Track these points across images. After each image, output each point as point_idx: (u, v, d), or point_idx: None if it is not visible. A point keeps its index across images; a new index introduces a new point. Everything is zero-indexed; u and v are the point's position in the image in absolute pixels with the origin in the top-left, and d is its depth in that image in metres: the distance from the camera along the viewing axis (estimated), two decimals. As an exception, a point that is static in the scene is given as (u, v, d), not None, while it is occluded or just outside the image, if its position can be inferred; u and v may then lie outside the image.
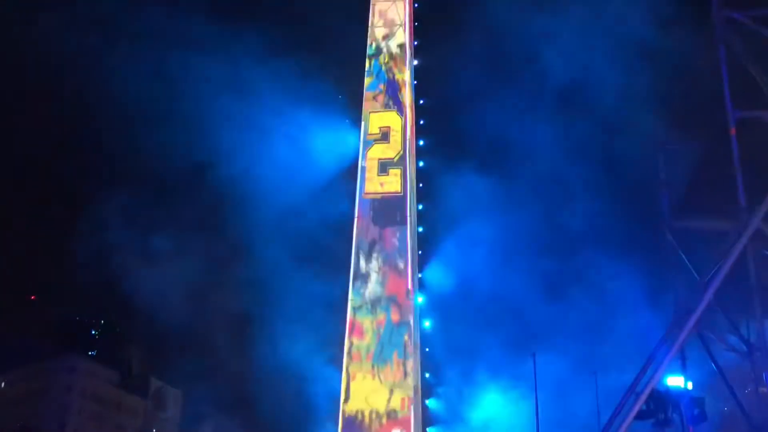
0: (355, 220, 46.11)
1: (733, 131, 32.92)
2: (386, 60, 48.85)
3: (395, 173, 46.44)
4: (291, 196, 49.23)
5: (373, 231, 45.79)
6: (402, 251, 45.41)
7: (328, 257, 49.09)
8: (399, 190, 46.16)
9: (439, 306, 47.50)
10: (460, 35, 51.10)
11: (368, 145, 47.37)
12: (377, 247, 45.53)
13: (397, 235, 45.63)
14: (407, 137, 46.92)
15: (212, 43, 55.19)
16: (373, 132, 47.51)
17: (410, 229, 45.79)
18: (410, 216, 46.17)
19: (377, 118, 47.74)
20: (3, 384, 79.36)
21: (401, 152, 46.59)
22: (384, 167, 46.60)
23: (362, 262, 45.29)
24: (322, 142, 49.01)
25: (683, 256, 36.06)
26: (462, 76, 51.57)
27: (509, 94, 48.60)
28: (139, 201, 60.21)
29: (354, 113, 48.85)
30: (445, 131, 51.63)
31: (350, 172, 47.78)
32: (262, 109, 51.53)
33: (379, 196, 46.29)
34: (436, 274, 47.58)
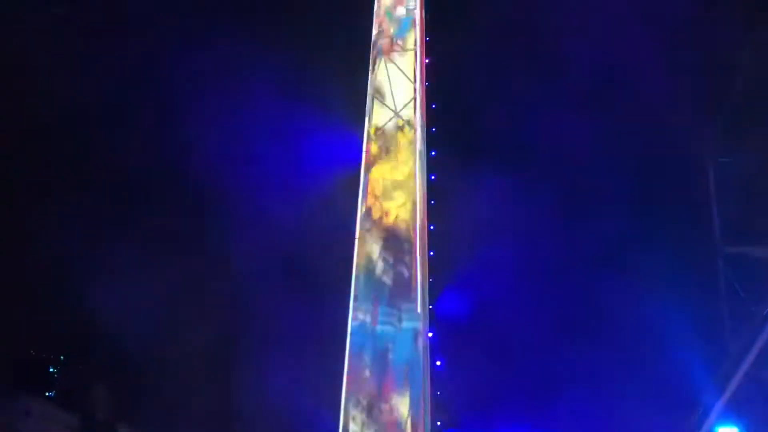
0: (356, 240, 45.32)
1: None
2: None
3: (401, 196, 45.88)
4: (281, 204, 49.18)
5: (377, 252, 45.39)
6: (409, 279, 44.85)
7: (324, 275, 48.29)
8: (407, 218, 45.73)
9: (453, 342, 46.99)
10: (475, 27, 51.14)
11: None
12: (381, 271, 45.24)
13: (405, 259, 45.24)
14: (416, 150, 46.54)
15: (193, 33, 55.43)
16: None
17: (420, 255, 45.42)
18: (419, 239, 45.80)
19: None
20: (-54, 429, 78.66)
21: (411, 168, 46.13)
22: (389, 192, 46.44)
23: (363, 287, 45.02)
24: (318, 144, 49.50)
25: (737, 287, 36.32)
26: (479, 75, 51.25)
27: (533, 92, 48.46)
28: (101, 212, 59.82)
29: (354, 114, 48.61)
30: (460, 138, 51.21)
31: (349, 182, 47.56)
32: (247, 104, 52.33)
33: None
34: (450, 305, 47.29)
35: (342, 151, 48.13)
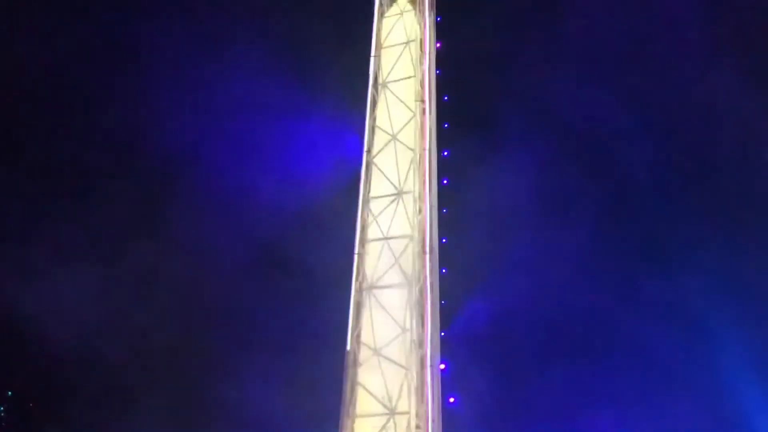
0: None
1: None
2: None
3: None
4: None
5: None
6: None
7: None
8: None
9: (467, 374, 42.52)
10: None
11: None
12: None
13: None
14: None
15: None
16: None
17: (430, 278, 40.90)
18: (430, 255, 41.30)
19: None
20: None
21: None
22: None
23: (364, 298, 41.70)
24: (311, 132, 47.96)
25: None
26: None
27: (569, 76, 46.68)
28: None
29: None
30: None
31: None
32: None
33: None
34: (464, 329, 42.88)
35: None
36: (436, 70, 45.81)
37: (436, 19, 46.12)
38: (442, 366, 41.14)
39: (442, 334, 41.38)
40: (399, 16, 45.91)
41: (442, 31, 46.44)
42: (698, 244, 43.70)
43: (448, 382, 41.47)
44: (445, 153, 44.03)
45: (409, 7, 46.04)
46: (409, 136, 44.23)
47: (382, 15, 46.61)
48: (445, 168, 43.71)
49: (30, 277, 52.33)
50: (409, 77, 44.64)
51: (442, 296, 41.43)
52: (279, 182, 49.54)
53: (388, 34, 46.32)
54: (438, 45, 46.10)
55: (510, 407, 44.45)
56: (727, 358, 39.79)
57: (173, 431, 52.06)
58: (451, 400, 41.16)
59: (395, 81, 44.96)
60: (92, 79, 57.14)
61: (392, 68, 45.23)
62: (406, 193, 42.17)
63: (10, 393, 77.91)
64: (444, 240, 42.32)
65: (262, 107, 51.64)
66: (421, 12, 45.76)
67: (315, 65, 51.34)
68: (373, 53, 45.98)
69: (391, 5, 46.79)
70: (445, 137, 44.20)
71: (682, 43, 45.47)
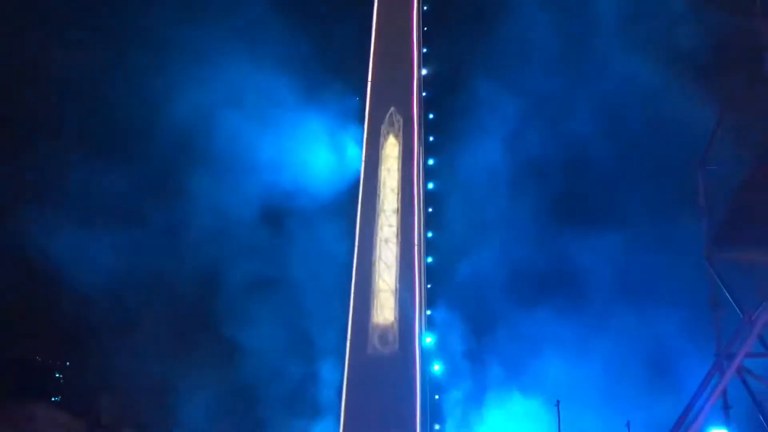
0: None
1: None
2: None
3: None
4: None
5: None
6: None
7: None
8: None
9: (451, 348, 47.83)
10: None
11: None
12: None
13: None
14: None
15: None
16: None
17: (418, 258, 46.50)
18: (418, 245, 46.91)
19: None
20: (-47, 433, 79.25)
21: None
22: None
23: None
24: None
25: (725, 291, 35.96)
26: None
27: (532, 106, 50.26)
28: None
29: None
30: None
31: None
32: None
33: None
34: (448, 313, 48.67)
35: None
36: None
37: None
38: (428, 339, 47.40)
39: (429, 312, 47.57)
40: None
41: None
42: (624, 206, 49.12)
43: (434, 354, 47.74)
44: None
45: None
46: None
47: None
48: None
49: (68, 233, 57.23)
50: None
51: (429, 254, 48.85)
52: (283, 156, 53.14)
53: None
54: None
55: (479, 338, 49.51)
56: (644, 298, 45.05)
57: (186, 361, 57.32)
58: (428, 340, 47.31)
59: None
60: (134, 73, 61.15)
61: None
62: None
63: (67, 363, 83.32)
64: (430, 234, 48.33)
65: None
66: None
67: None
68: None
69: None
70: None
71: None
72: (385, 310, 46.54)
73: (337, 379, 46.94)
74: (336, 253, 49.91)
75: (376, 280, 47.02)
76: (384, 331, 45.99)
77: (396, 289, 46.81)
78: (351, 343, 46.13)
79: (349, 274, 47.91)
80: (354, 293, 47.07)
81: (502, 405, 47.82)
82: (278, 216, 53.81)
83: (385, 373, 45.51)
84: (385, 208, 47.71)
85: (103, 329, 60.84)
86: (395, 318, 46.44)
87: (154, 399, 66.96)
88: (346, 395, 45.43)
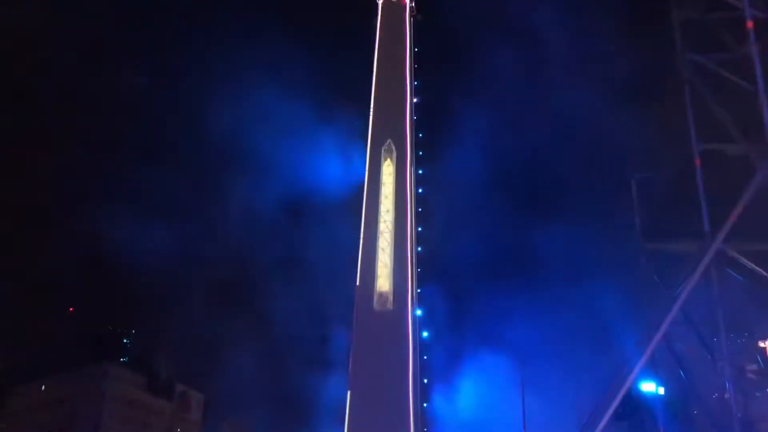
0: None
1: (698, 162, 33.37)
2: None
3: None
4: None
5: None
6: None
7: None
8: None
9: (436, 319, 48.26)
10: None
11: None
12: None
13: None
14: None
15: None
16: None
17: (410, 247, 46.90)
18: (410, 237, 47.26)
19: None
20: (43, 387, 79.74)
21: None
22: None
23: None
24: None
25: (654, 274, 36.12)
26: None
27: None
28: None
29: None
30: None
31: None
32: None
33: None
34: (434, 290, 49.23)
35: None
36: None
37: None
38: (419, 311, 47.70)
39: (419, 290, 47.90)
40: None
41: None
42: (574, 206, 50.20)
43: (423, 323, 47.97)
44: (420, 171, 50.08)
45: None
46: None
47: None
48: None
49: (128, 225, 58.62)
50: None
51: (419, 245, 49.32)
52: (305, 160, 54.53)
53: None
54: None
55: (458, 308, 50.62)
56: (591, 279, 44.78)
57: (226, 327, 58.04)
58: (418, 312, 47.85)
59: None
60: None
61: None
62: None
63: (133, 331, 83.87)
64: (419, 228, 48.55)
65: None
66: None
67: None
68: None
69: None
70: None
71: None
72: (382, 281, 47.32)
73: (347, 337, 47.45)
74: (346, 240, 50.66)
75: (376, 260, 47.86)
76: (382, 296, 46.66)
77: (392, 267, 47.57)
78: (358, 306, 47.03)
79: (356, 256, 48.47)
80: (360, 269, 47.82)
81: (476, 361, 48.25)
82: (300, 212, 55.50)
83: (384, 326, 46.28)
84: (383, 208, 48.46)
85: (161, 305, 61.48)
86: (390, 287, 47.11)
87: (201, 358, 67.48)
88: (354, 344, 46.15)
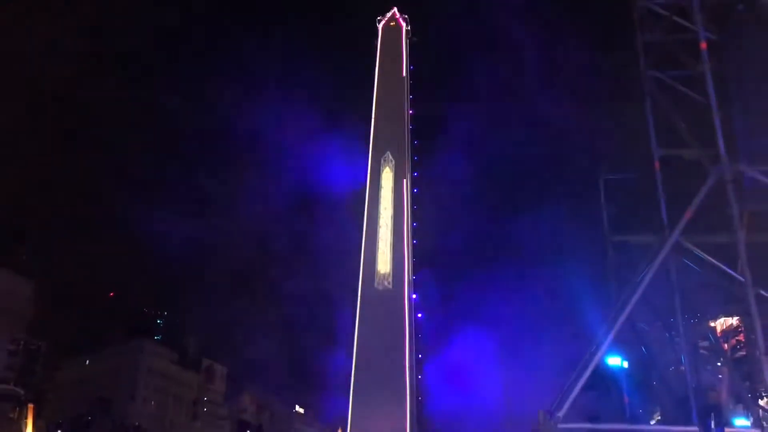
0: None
1: (657, 165, 33.48)
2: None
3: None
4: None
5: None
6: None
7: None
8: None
9: (429, 303, 48.41)
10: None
11: None
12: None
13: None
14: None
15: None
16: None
17: (406, 240, 46.91)
18: (406, 231, 47.31)
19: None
20: (87, 362, 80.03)
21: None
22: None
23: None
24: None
25: (620, 264, 36.36)
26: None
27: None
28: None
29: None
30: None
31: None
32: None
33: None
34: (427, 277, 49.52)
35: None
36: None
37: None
38: (414, 295, 47.58)
39: (414, 277, 47.87)
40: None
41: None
42: (549, 205, 49.72)
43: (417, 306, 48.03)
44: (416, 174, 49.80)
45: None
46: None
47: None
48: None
49: (161, 222, 60.24)
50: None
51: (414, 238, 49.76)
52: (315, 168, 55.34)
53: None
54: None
55: (448, 291, 51.64)
56: (563, 267, 44.89)
57: (247, 308, 58.42)
58: (414, 296, 48.03)
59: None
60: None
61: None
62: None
63: (165, 313, 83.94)
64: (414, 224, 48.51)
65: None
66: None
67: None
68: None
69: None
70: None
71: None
72: (382, 265, 47.55)
73: (352, 315, 47.54)
74: (351, 235, 50.85)
75: (378, 247, 47.87)
76: (383, 277, 46.67)
77: (391, 253, 47.81)
78: (362, 285, 47.67)
79: (359, 245, 48.70)
80: (363, 255, 48.18)
81: (464, 336, 48.34)
82: (311, 209, 55.83)
83: (384, 305, 46.63)
84: (382, 206, 48.76)
85: (189, 289, 61.82)
86: (390, 269, 47.32)
87: (224, 336, 67.81)
88: (359, 319, 46.63)
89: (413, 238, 48.74)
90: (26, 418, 53.75)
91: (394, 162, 48.98)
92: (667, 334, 34.09)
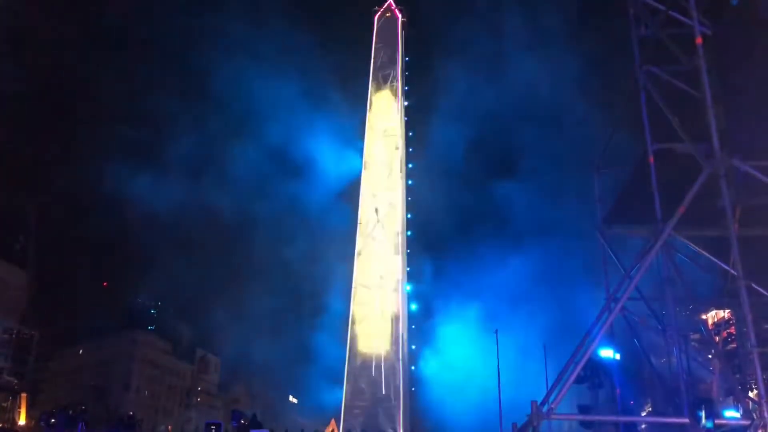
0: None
1: (651, 159, 33.43)
2: None
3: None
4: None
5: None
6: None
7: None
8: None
9: (423, 295, 48.50)
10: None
11: None
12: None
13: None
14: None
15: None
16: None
17: (401, 234, 46.88)
18: (401, 221, 47.23)
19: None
20: (81, 351, 79.60)
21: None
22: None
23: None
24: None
25: (613, 257, 36.23)
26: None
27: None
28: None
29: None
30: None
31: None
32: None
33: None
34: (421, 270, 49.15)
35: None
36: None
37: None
38: (408, 287, 47.51)
39: (408, 269, 47.86)
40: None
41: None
42: (541, 204, 50.08)
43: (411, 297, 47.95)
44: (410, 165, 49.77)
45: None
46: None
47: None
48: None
49: (155, 216, 60.61)
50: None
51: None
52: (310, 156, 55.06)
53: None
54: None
55: (440, 278, 52.00)
56: (557, 264, 45.54)
57: (238, 299, 58.70)
58: (408, 288, 48.14)
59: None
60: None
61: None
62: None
63: (159, 303, 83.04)
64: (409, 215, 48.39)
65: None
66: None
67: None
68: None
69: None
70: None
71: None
72: (377, 258, 48.17)
73: (346, 307, 48.24)
74: (344, 220, 51.62)
75: (370, 236, 48.55)
76: (378, 266, 47.86)
77: (385, 244, 48.61)
78: (356, 275, 48.55)
79: (354, 233, 49.08)
80: (358, 242, 49.30)
81: (456, 318, 49.03)
82: (307, 201, 55.92)
83: (377, 293, 47.35)
84: (378, 195, 48.63)
85: (184, 281, 61.47)
86: (384, 263, 48.11)
87: (218, 327, 67.54)
88: (352, 312, 47.49)
89: (407, 229, 48.69)
90: (19, 407, 53.45)
91: (388, 145, 48.81)
92: (659, 327, 34.16)
